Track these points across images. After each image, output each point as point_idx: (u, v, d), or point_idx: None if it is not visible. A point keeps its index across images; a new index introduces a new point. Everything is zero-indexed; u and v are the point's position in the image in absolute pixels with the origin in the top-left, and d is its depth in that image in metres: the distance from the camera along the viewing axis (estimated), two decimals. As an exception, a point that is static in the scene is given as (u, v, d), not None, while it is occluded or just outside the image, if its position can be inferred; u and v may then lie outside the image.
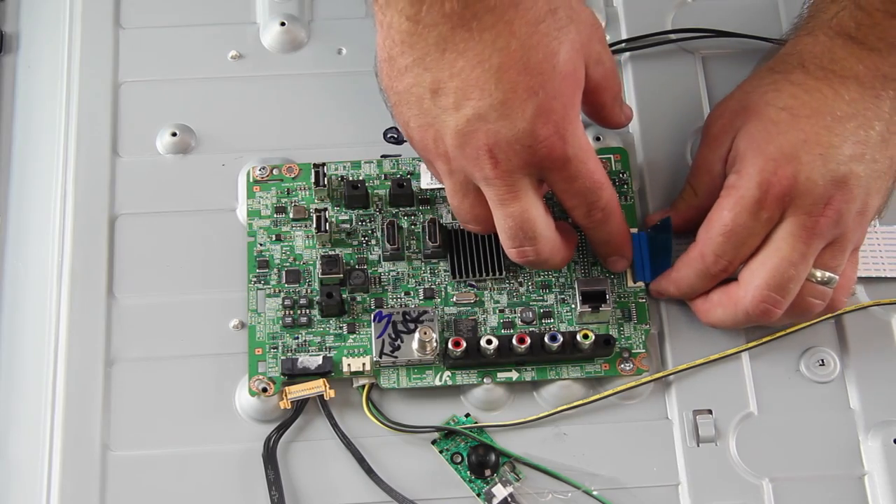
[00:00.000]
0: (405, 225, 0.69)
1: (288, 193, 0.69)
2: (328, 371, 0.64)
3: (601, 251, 0.66)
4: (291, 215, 0.69)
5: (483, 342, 0.64)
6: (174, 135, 0.71)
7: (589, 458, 0.64)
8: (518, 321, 0.67)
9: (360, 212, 0.69)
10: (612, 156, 0.70)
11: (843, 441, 0.65)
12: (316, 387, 0.64)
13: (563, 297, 0.67)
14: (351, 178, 0.69)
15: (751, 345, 0.66)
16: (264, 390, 0.64)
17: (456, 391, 0.66)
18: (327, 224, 0.67)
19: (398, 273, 0.67)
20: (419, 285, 0.67)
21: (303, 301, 0.66)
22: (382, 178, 0.70)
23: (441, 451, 0.64)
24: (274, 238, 0.68)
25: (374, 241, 0.68)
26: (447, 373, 0.65)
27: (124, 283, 0.68)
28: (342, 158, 0.70)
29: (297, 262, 0.68)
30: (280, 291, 0.67)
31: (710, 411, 0.65)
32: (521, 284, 0.67)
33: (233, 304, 0.67)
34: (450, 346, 0.64)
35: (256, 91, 0.73)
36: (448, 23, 0.58)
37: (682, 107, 0.73)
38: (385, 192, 0.69)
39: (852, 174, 0.62)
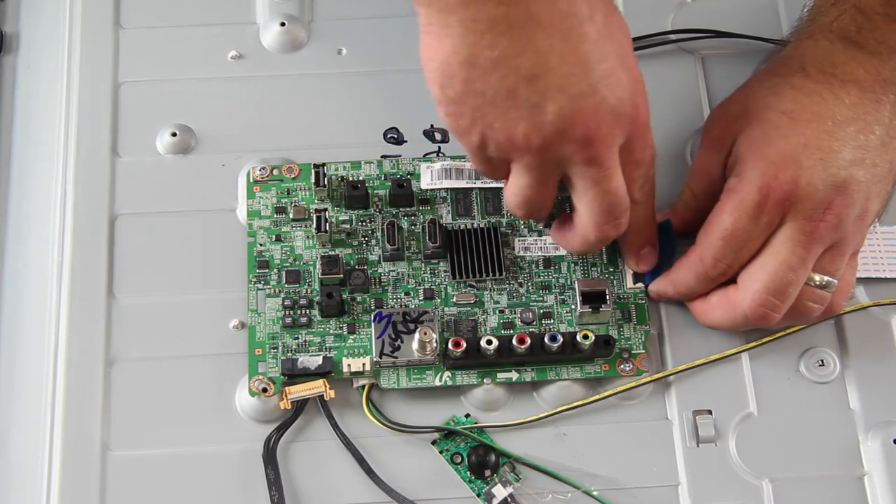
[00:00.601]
0: (405, 225, 0.69)
1: (288, 193, 0.69)
2: (328, 371, 0.64)
3: (637, 239, 0.66)
4: (291, 215, 0.69)
5: (483, 342, 0.64)
6: (174, 135, 0.71)
7: (589, 458, 0.64)
8: (518, 321, 0.67)
9: (360, 212, 0.69)
10: (612, 156, 0.70)
11: (843, 441, 0.65)
12: (316, 387, 0.64)
13: (563, 297, 0.67)
14: (351, 179, 0.69)
15: (751, 345, 0.66)
16: (264, 390, 0.64)
17: (456, 391, 0.66)
18: (327, 224, 0.67)
19: (398, 273, 0.67)
20: (419, 285, 0.67)
21: (303, 301, 0.66)
22: (382, 178, 0.70)
23: (441, 452, 0.64)
24: (274, 238, 0.68)
25: (374, 242, 0.68)
26: (447, 373, 0.65)
27: (124, 283, 0.68)
28: (342, 158, 0.70)
29: (297, 263, 0.68)
30: (280, 291, 0.67)
31: (710, 411, 0.65)
32: (521, 285, 0.67)
33: (233, 304, 0.67)
34: (450, 346, 0.64)
35: (256, 91, 0.73)
36: None
37: (682, 107, 0.73)
38: (385, 192, 0.69)
39: (853, 179, 0.62)
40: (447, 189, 0.70)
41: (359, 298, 0.67)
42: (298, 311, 0.66)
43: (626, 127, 0.59)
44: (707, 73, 0.74)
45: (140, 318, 0.67)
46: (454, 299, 0.67)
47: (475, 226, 0.68)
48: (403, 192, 0.69)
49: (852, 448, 0.65)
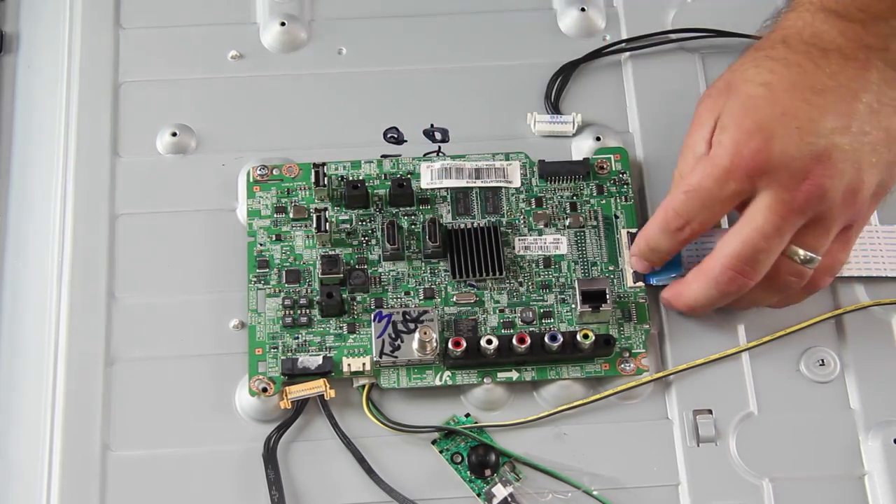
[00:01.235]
0: (405, 225, 0.69)
1: (288, 193, 0.69)
2: (328, 371, 0.64)
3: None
4: (291, 215, 0.69)
5: (483, 342, 0.64)
6: (174, 135, 0.71)
7: (589, 458, 0.64)
8: (518, 321, 0.66)
9: (360, 212, 0.69)
10: (612, 156, 0.70)
11: (843, 441, 0.65)
12: (316, 387, 0.64)
13: (563, 297, 0.67)
14: (351, 178, 0.69)
15: (751, 345, 0.66)
16: (264, 390, 0.64)
17: (456, 391, 0.66)
18: (327, 224, 0.67)
19: (398, 273, 0.67)
20: (419, 285, 0.67)
21: (303, 301, 0.66)
22: (382, 178, 0.70)
23: (441, 451, 0.64)
24: (274, 238, 0.68)
25: (374, 241, 0.68)
26: (447, 373, 0.65)
27: (124, 283, 0.68)
28: (342, 158, 0.70)
29: (297, 262, 0.68)
30: (280, 291, 0.67)
31: (710, 411, 0.65)
32: (521, 284, 0.67)
33: (233, 304, 0.67)
34: (450, 346, 0.64)
35: (256, 91, 0.73)
36: None
37: (682, 107, 0.73)
38: (385, 192, 0.69)
39: (835, 147, 0.61)
40: (447, 188, 0.70)
41: (359, 298, 0.67)
42: (298, 311, 0.66)
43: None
44: (707, 72, 0.74)
45: (140, 318, 0.67)
46: (454, 299, 0.67)
47: (475, 225, 0.68)
48: (403, 192, 0.69)
49: (853, 448, 0.65)
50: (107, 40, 0.74)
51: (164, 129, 0.72)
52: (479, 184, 0.70)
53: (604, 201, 0.69)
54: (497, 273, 0.67)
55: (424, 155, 0.71)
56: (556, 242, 0.68)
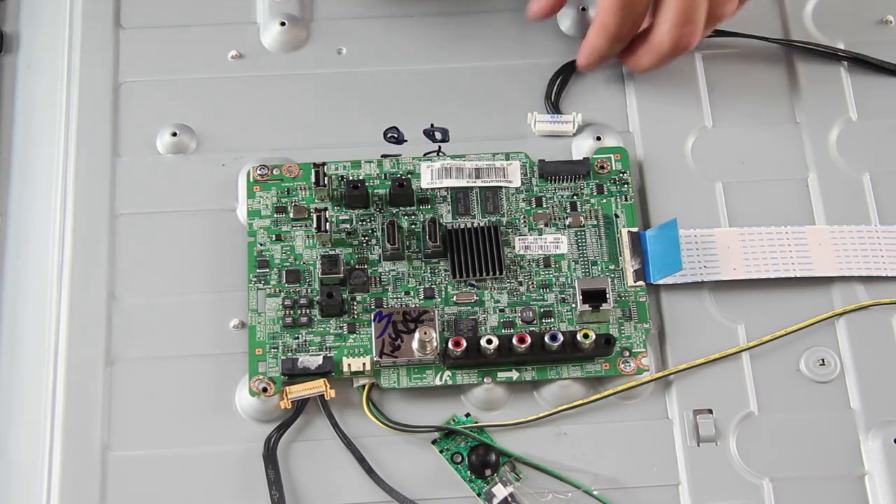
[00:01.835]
0: (405, 225, 0.69)
1: (288, 193, 0.69)
2: (328, 371, 0.64)
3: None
4: (291, 215, 0.69)
5: (483, 342, 0.64)
6: (174, 135, 0.71)
7: (589, 458, 0.64)
8: (518, 321, 0.66)
9: (360, 212, 0.69)
10: (612, 155, 0.70)
11: (843, 441, 0.65)
12: (316, 387, 0.64)
13: (563, 296, 0.67)
14: (351, 178, 0.69)
15: (751, 345, 0.66)
16: (264, 390, 0.64)
17: (456, 391, 0.66)
18: (327, 224, 0.67)
19: (398, 273, 0.67)
20: (419, 285, 0.67)
21: (303, 301, 0.66)
22: (382, 177, 0.70)
23: (441, 451, 0.64)
24: (274, 238, 0.68)
25: (374, 241, 0.68)
26: (447, 372, 0.65)
27: (124, 283, 0.68)
28: (342, 158, 0.70)
29: (298, 262, 0.68)
30: (280, 291, 0.67)
31: (710, 411, 0.65)
32: (521, 284, 0.67)
33: (233, 304, 0.67)
34: (450, 345, 0.64)
35: (256, 91, 0.73)
36: None
37: (682, 107, 0.73)
38: (385, 191, 0.69)
39: None
40: (447, 188, 0.70)
41: (359, 298, 0.67)
42: (298, 311, 0.66)
43: None
44: (707, 72, 0.74)
45: (140, 318, 0.67)
46: (454, 299, 0.67)
47: (475, 225, 0.68)
48: (403, 192, 0.69)
49: (853, 448, 0.65)
50: (107, 40, 0.74)
51: (164, 129, 0.72)
52: (479, 183, 0.70)
53: (604, 201, 0.69)
54: (497, 273, 0.67)
55: (424, 155, 0.71)
56: (556, 242, 0.68)
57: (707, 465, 0.64)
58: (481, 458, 0.63)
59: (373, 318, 0.65)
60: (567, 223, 0.69)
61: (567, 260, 0.68)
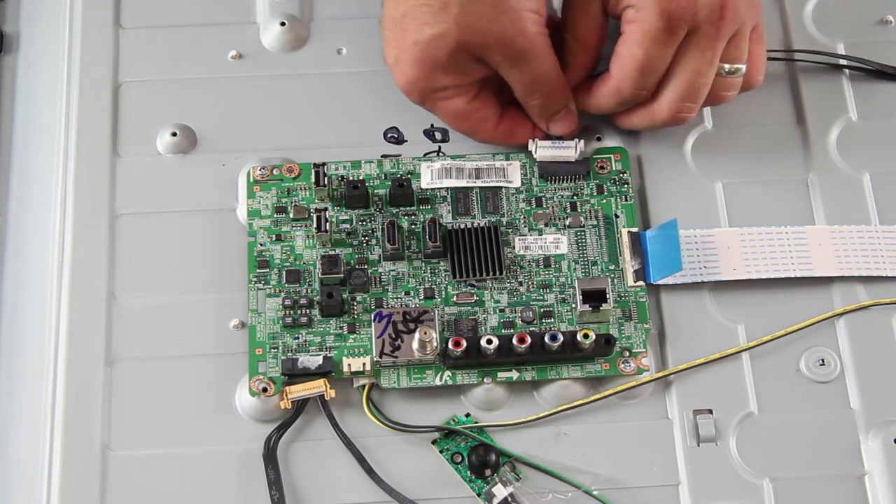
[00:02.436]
0: (405, 225, 0.69)
1: (288, 193, 0.69)
2: (328, 371, 0.64)
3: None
4: (291, 215, 0.69)
5: (483, 342, 0.64)
6: (174, 135, 0.71)
7: (589, 458, 0.64)
8: (518, 321, 0.66)
9: (360, 212, 0.69)
10: (612, 155, 0.70)
11: (843, 441, 0.65)
12: (316, 387, 0.64)
13: (563, 296, 0.67)
14: (351, 178, 0.69)
15: (751, 345, 0.66)
16: (264, 390, 0.64)
17: (456, 391, 0.66)
18: (327, 224, 0.67)
19: (398, 273, 0.67)
20: (419, 285, 0.67)
21: (303, 301, 0.66)
22: (382, 177, 0.70)
23: (441, 451, 0.64)
24: (274, 238, 0.68)
25: (374, 241, 0.68)
26: (447, 373, 0.65)
27: (124, 283, 0.68)
28: (342, 158, 0.70)
29: (298, 262, 0.68)
30: (280, 291, 0.67)
31: (710, 411, 0.65)
32: (521, 284, 0.67)
33: (233, 304, 0.67)
34: (450, 345, 0.64)
35: (256, 91, 0.73)
36: None
37: (683, 107, 0.73)
38: (385, 192, 0.69)
39: None
40: (447, 188, 0.70)
41: (359, 298, 0.67)
42: (298, 311, 0.66)
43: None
44: (707, 72, 0.74)
45: (140, 318, 0.67)
46: (454, 299, 0.67)
47: (475, 225, 0.68)
48: (403, 192, 0.69)
49: (853, 448, 0.65)
50: (107, 40, 0.74)
51: (164, 129, 0.72)
52: (479, 184, 0.70)
53: (604, 201, 0.69)
54: (497, 273, 0.67)
55: (424, 155, 0.71)
56: (557, 242, 0.68)
57: (707, 465, 0.64)
58: (481, 458, 0.63)
59: (373, 318, 0.65)
60: (567, 223, 0.69)
61: (567, 260, 0.68)
